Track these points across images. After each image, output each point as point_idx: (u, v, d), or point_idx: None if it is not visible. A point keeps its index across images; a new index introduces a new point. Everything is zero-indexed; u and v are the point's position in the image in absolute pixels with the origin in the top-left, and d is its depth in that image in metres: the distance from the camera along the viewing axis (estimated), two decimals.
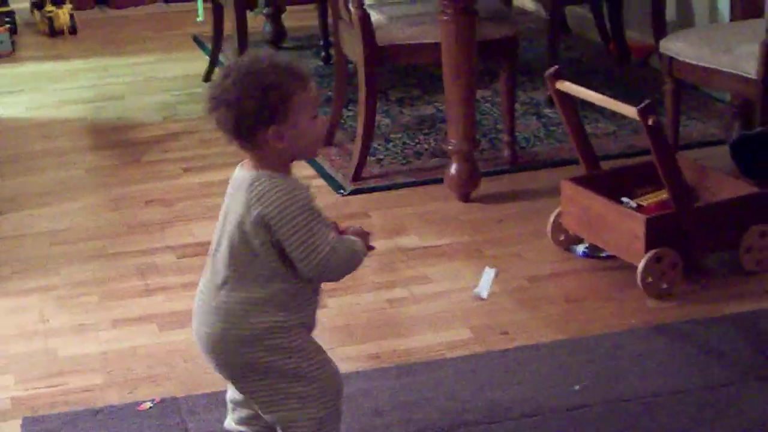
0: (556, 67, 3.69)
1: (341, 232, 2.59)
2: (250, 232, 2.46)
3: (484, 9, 4.26)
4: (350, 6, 4.34)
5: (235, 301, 2.52)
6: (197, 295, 2.61)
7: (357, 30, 4.30)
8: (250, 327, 2.51)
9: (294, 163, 2.53)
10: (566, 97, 3.70)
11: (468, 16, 4.05)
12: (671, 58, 4.10)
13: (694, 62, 3.99)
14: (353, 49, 4.43)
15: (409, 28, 4.35)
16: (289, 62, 2.49)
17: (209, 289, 2.57)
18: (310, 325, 2.62)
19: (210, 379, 2.92)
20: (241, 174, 2.52)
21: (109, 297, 3.65)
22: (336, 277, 2.55)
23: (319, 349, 2.60)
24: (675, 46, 4.07)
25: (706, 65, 3.93)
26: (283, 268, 2.50)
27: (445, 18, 4.07)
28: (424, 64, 4.97)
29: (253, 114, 2.44)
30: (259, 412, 2.62)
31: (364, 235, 2.61)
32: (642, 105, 3.36)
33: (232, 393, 2.74)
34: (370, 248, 2.62)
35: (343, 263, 2.51)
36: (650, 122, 3.36)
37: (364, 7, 4.30)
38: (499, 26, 4.37)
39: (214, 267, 2.56)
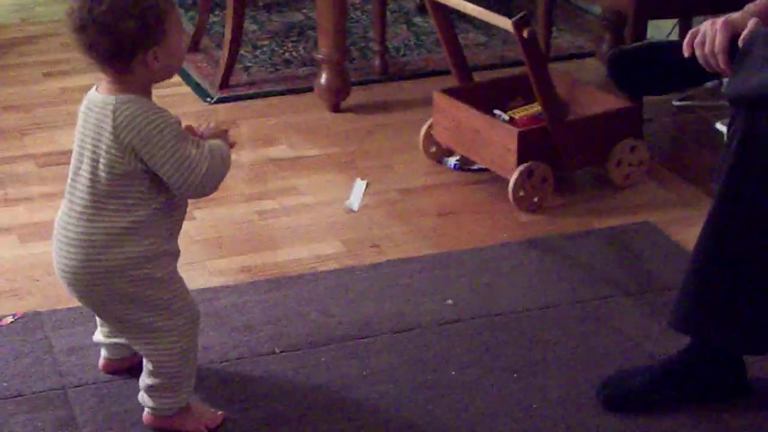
0: None
1: (195, 134, 2.51)
2: (117, 158, 2.36)
3: None
4: None
5: (97, 231, 2.42)
6: (56, 225, 2.49)
7: None
8: (113, 258, 2.42)
9: None
10: (440, 7, 3.65)
11: None
12: None
13: None
14: None
15: None
16: None
17: (69, 219, 2.45)
18: (175, 252, 2.54)
19: None
20: (100, 98, 2.39)
21: None
22: (213, 190, 2.47)
23: (180, 280, 2.54)
24: None
25: None
26: (150, 193, 2.41)
27: None
28: None
29: (134, 37, 2.32)
30: (126, 341, 2.56)
31: (223, 134, 2.53)
32: (517, 17, 3.32)
33: None
34: (232, 144, 2.55)
35: (219, 176, 2.45)
36: (525, 34, 3.32)
37: None
38: None
39: (73, 195, 2.44)
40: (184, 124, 2.47)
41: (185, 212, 2.55)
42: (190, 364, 2.55)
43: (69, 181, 2.46)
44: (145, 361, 2.55)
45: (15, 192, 3.61)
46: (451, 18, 3.71)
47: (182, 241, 3.24)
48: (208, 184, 2.42)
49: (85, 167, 2.41)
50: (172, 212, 2.49)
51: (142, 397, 2.58)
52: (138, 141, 2.35)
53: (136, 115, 2.35)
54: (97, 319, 2.71)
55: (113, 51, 2.33)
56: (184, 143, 2.38)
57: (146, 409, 2.58)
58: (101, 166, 2.38)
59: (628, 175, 3.62)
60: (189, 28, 4.77)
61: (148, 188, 2.41)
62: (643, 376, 2.65)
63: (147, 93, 2.42)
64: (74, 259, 2.44)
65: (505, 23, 3.37)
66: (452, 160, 3.77)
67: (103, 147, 2.37)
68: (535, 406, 2.64)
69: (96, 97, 2.41)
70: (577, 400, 2.65)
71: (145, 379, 2.57)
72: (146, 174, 2.39)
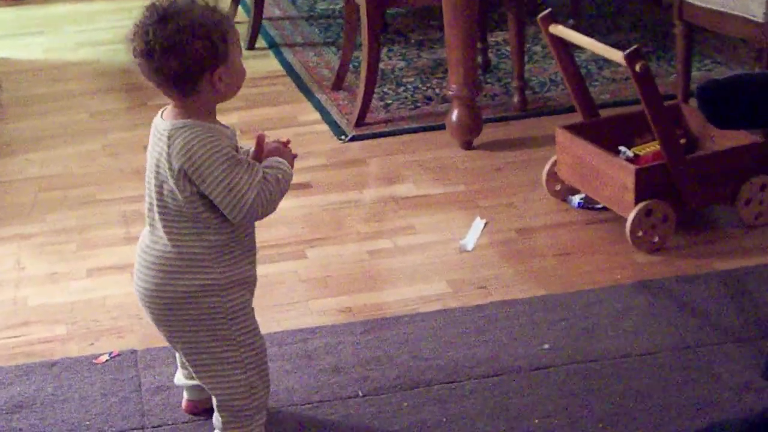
0: (549, 9, 3.52)
1: (258, 148, 2.50)
2: (175, 185, 2.37)
3: None
4: None
5: (169, 257, 2.44)
6: (137, 248, 2.54)
7: None
8: (185, 284, 2.44)
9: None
10: (560, 42, 3.54)
11: None
12: (681, 0, 3.91)
13: (702, 4, 3.80)
14: None
15: None
16: (206, 1, 2.38)
17: (148, 242, 2.49)
18: (249, 282, 2.52)
19: None
20: (162, 124, 2.40)
21: (88, 246, 3.58)
22: (268, 214, 2.45)
23: (251, 313, 2.52)
24: None
25: (714, 8, 3.74)
26: (213, 219, 2.41)
27: None
28: (427, 6, 4.82)
29: (201, 58, 2.32)
30: (193, 375, 2.55)
31: (283, 150, 2.51)
32: (629, 50, 3.19)
33: None
34: (294, 156, 2.53)
35: (273, 199, 2.42)
36: (637, 68, 3.20)
37: None
38: None
39: (151, 219, 2.48)
40: (264, 136, 2.51)
41: (254, 239, 2.53)
42: (257, 398, 2.53)
43: (146, 205, 2.48)
44: (212, 397, 2.54)
45: (137, 231, 3.63)
46: (572, 52, 3.59)
47: (289, 280, 3.29)
48: (259, 208, 2.40)
49: (155, 193, 2.42)
50: (244, 238, 2.48)
51: None
52: (189, 166, 2.34)
53: (188, 141, 2.35)
54: (178, 361, 2.72)
55: (180, 73, 2.32)
56: (234, 169, 2.36)
57: None
58: (166, 192, 2.40)
59: (759, 215, 3.43)
60: (335, 65, 4.78)
61: (212, 212, 2.41)
62: (736, 428, 2.49)
63: (210, 115, 2.42)
64: (151, 281, 2.47)
65: (617, 56, 3.24)
66: (576, 199, 3.65)
67: (164, 173, 2.38)
68: None
69: (159, 123, 2.42)
70: None
71: (216, 416, 2.56)
72: (205, 198, 2.39)
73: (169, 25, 2.33)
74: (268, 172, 2.42)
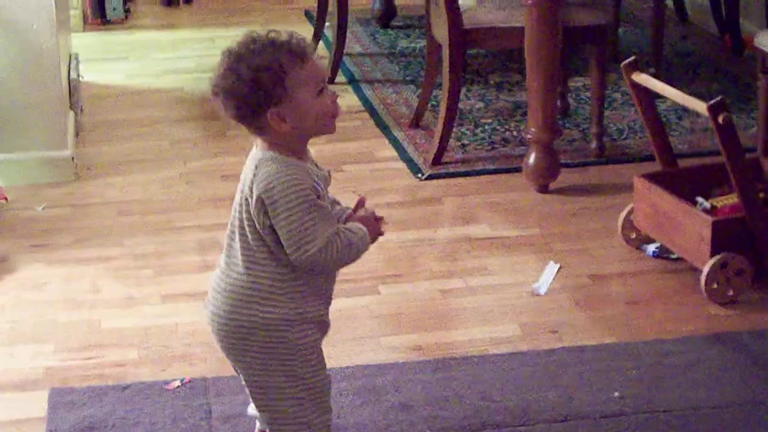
0: (633, 57, 3.53)
1: (354, 210, 2.53)
2: (254, 213, 2.40)
3: None
4: None
5: (243, 286, 2.46)
6: (214, 273, 2.56)
7: (442, 11, 4.19)
8: (256, 315, 2.45)
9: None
10: (643, 90, 3.54)
11: (552, 2, 3.91)
12: (765, 54, 3.89)
13: None
14: (441, 31, 4.32)
15: (495, 12, 4.24)
16: (285, 39, 2.39)
17: (221, 270, 2.52)
18: (321, 321, 2.52)
19: None
20: (255, 153, 2.46)
21: (164, 271, 3.62)
22: (330, 269, 2.47)
23: (319, 353, 2.52)
24: None
25: None
26: (287, 254, 2.43)
27: (529, 2, 3.93)
28: (510, 49, 4.85)
29: (249, 99, 2.37)
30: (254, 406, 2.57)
31: (372, 222, 2.51)
32: (713, 102, 3.19)
33: None
34: (379, 234, 2.53)
35: (338, 258, 2.41)
36: (720, 120, 3.19)
37: None
38: (590, 13, 4.22)
39: (229, 246, 2.51)
40: (364, 201, 2.53)
41: (334, 280, 2.54)
42: None
43: (228, 232, 2.51)
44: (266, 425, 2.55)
45: (213, 258, 3.66)
46: (653, 101, 3.59)
47: (361, 315, 3.31)
48: (321, 261, 2.40)
49: (238, 219, 2.46)
50: (318, 279, 2.48)
51: None
52: (267, 196, 2.37)
53: (270, 173, 2.38)
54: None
55: (238, 113, 2.39)
56: (309, 213, 2.38)
57: None
58: (246, 218, 2.43)
59: None
60: (414, 103, 4.81)
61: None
62: None
63: (297, 150, 2.44)
64: (221, 308, 2.49)
65: (700, 107, 3.24)
66: (651, 248, 3.63)
67: (246, 200, 2.42)
68: None
69: (253, 152, 2.47)
70: None
71: None
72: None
73: (222, 66, 2.40)
74: (344, 232, 2.43)
